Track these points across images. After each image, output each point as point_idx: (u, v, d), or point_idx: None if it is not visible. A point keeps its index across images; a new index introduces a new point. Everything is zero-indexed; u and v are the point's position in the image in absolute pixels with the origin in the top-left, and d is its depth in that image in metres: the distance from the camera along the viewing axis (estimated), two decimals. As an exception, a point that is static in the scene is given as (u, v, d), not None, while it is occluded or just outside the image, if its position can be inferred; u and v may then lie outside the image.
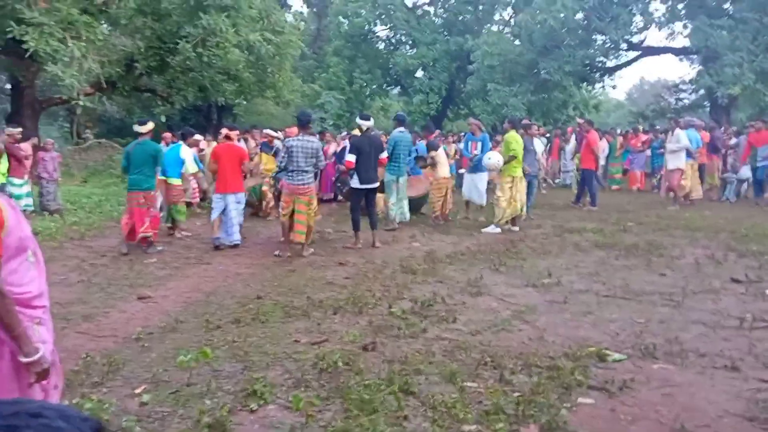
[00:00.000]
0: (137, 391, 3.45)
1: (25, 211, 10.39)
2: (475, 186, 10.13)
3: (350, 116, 26.63)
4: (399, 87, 30.17)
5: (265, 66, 16.89)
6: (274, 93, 19.04)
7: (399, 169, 9.10)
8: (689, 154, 11.56)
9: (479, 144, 10.04)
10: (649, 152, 15.48)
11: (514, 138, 8.91)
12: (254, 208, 10.64)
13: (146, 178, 7.59)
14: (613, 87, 25.06)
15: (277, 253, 7.39)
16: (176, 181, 8.81)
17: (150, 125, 7.78)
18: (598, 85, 24.47)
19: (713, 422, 3.02)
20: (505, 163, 8.86)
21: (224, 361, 3.88)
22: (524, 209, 9.16)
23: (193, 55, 14.62)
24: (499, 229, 8.93)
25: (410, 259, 7.03)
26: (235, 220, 7.91)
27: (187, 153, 9.11)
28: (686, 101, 22.37)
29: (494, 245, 7.93)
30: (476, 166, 9.93)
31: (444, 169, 9.82)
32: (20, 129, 10.69)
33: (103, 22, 14.56)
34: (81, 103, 12.60)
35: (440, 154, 9.82)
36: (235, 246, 7.86)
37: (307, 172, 7.23)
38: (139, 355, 4.06)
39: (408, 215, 9.68)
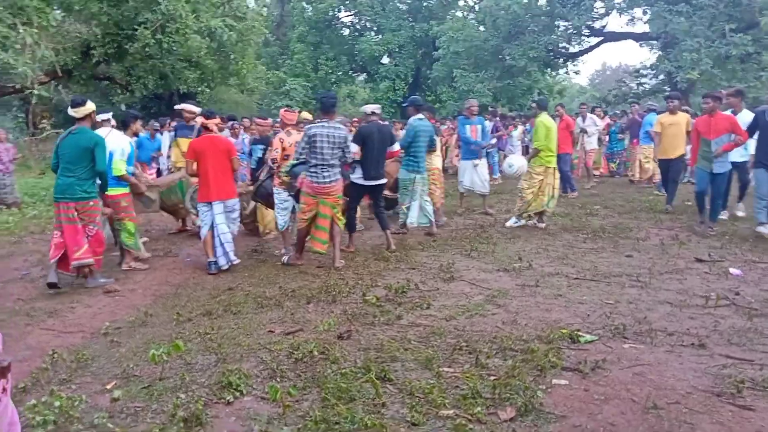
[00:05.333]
0: (108, 386, 3.36)
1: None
2: (478, 174, 9.12)
3: (316, 103, 26.45)
4: (365, 73, 30.06)
5: (227, 53, 16.60)
6: (237, 80, 18.75)
7: (418, 165, 7.58)
8: (651, 138, 11.79)
9: (479, 128, 9.05)
10: (607, 137, 15.69)
11: (545, 124, 7.84)
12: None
13: (80, 182, 5.45)
14: (576, 72, 25.37)
15: (285, 259, 6.40)
16: (114, 191, 6.21)
17: (89, 106, 5.63)
18: (561, 71, 24.82)
19: (683, 399, 3.10)
20: (530, 159, 7.96)
21: (197, 354, 3.81)
22: (551, 204, 8.11)
23: (153, 42, 14.23)
24: (522, 221, 8.02)
25: (382, 247, 7.01)
26: (227, 236, 6.17)
27: (118, 145, 6.17)
28: (647, 86, 22.84)
29: (465, 231, 7.98)
30: (477, 153, 9.09)
31: (437, 159, 8.66)
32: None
33: (55, 7, 14.02)
34: (35, 92, 12.13)
35: (437, 142, 8.68)
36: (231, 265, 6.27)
37: (333, 166, 6.06)
38: (108, 351, 3.96)
39: (432, 216, 7.83)
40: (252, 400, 3.18)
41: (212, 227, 6.14)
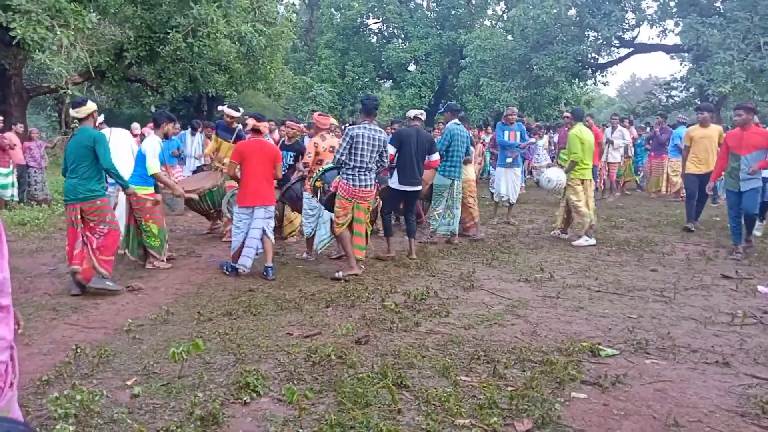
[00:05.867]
0: (128, 382, 3.41)
1: (11, 201, 10.29)
2: (514, 183, 9.11)
3: (342, 109, 26.62)
4: (391, 80, 30.16)
5: (256, 57, 16.78)
6: (265, 85, 18.93)
7: (455, 171, 7.48)
8: (680, 151, 11.60)
9: (517, 134, 8.97)
10: (634, 149, 15.37)
11: (579, 136, 7.57)
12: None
13: (82, 182, 5.29)
14: (605, 84, 25.01)
15: (339, 274, 5.92)
16: (140, 189, 6.08)
17: (89, 106, 5.42)
18: (589, 82, 24.56)
19: (705, 417, 3.03)
20: (567, 171, 7.69)
21: (216, 354, 3.85)
22: (592, 215, 7.70)
23: (184, 45, 14.48)
24: (593, 240, 7.57)
25: (403, 253, 7.01)
26: (254, 241, 5.98)
27: (149, 144, 6.17)
28: (677, 99, 22.45)
29: (486, 240, 7.93)
30: (514, 161, 9.09)
31: (472, 170, 8.31)
32: (0, 117, 10.63)
33: (92, 10, 14.35)
34: (69, 92, 12.40)
35: (472, 151, 8.46)
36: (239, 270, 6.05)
37: (371, 170, 5.94)
38: (129, 347, 4.02)
39: (457, 227, 7.79)
40: (269, 401, 3.20)
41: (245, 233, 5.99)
